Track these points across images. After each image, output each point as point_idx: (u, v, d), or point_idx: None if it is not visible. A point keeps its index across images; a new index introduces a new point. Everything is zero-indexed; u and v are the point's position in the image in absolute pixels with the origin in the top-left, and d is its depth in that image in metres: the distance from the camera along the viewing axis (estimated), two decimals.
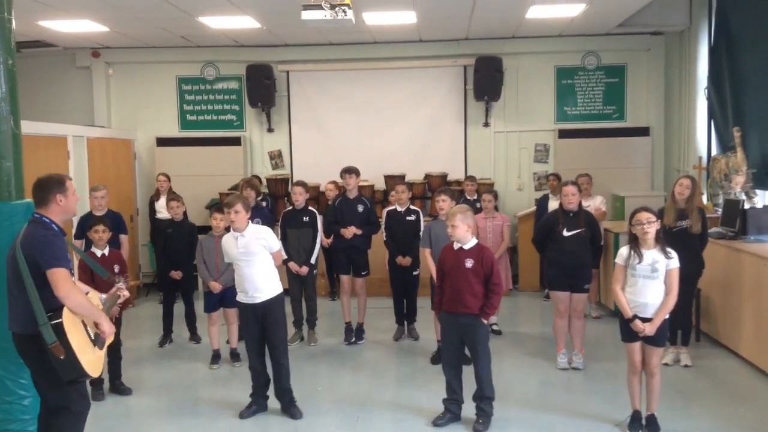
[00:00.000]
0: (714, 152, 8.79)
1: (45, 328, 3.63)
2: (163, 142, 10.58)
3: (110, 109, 10.78)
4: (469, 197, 8.58)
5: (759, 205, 7.13)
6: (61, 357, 3.63)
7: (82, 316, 3.82)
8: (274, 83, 10.39)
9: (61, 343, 3.62)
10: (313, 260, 7.18)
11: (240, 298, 5.36)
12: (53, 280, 3.65)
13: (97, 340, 3.91)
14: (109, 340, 4.00)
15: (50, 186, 3.91)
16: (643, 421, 4.87)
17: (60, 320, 3.66)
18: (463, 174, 10.12)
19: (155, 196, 9.53)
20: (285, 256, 6.78)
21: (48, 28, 8.88)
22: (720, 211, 7.60)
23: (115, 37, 9.65)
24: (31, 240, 3.74)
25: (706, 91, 8.95)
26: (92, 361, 3.82)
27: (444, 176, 10.10)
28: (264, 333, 5.32)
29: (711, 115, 8.92)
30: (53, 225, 3.86)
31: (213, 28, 9.03)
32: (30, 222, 3.89)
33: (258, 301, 5.26)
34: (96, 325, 3.89)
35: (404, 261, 7.11)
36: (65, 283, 3.67)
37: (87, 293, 4.03)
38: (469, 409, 5.11)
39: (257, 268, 5.27)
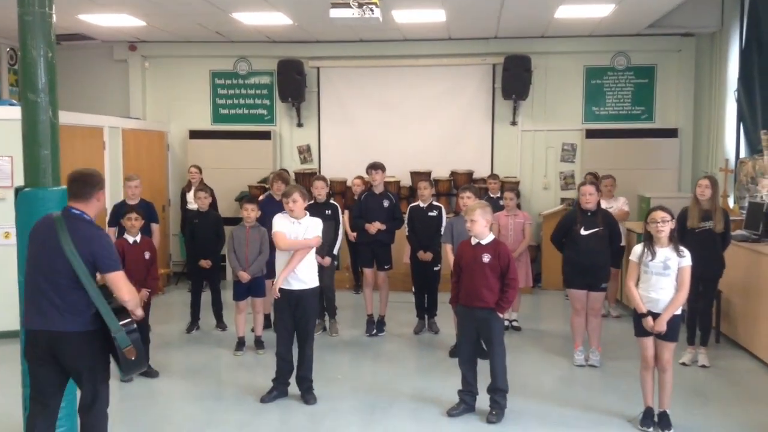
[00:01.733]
0: (742, 155, 8.75)
1: (120, 333, 3.71)
2: (195, 134, 10.83)
3: (145, 102, 11.07)
4: (492, 195, 8.66)
5: None
6: (133, 358, 3.76)
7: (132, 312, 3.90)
8: (304, 79, 10.57)
9: (134, 345, 3.76)
10: (335, 251, 7.32)
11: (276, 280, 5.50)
12: (117, 283, 3.73)
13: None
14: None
15: (94, 182, 3.89)
16: (656, 418, 4.93)
17: (133, 326, 3.79)
18: (490, 172, 10.19)
19: (187, 188, 9.77)
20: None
21: (87, 22, 9.16)
22: (745, 213, 7.58)
23: (151, 32, 9.92)
24: (89, 239, 3.71)
25: (736, 93, 8.91)
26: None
27: (470, 174, 10.18)
28: (294, 321, 5.48)
29: (740, 117, 8.87)
30: (93, 222, 3.85)
31: (246, 24, 9.23)
32: (71, 217, 3.78)
33: (295, 288, 5.42)
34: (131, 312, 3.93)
35: (425, 256, 7.23)
36: (128, 285, 3.79)
37: None
38: (483, 400, 5.22)
39: (304, 257, 5.43)
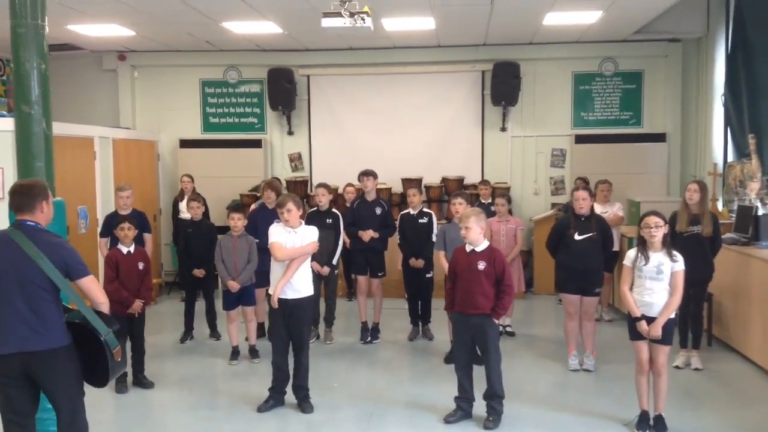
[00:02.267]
0: (730, 159, 8.84)
1: (109, 335, 3.72)
2: (185, 143, 10.82)
3: (135, 111, 11.05)
4: (483, 201, 8.71)
5: None
6: (119, 359, 3.77)
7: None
8: (294, 87, 10.59)
9: (121, 346, 3.78)
10: (335, 261, 7.33)
11: (272, 290, 5.51)
12: (91, 288, 3.75)
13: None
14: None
15: (35, 192, 3.75)
16: (651, 422, 4.97)
17: (118, 327, 3.81)
18: (480, 178, 10.24)
19: (179, 197, 9.75)
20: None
21: (76, 32, 9.14)
22: (734, 217, 7.66)
23: (140, 41, 9.91)
24: (58, 247, 3.69)
25: (723, 98, 9.00)
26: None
27: (461, 180, 10.22)
28: (289, 330, 5.48)
29: (727, 121, 8.96)
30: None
31: (236, 33, 9.25)
32: (29, 228, 3.69)
33: (289, 297, 5.42)
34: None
35: (417, 263, 7.26)
36: (101, 288, 3.82)
37: None
38: (480, 407, 5.24)
39: (300, 267, 5.44)
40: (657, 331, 4.78)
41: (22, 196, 3.72)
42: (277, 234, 5.45)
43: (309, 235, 5.51)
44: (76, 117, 9.73)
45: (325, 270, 7.23)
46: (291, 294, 5.43)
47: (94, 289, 3.78)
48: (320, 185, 7.52)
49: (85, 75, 10.99)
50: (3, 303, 3.63)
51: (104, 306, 3.80)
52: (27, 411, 3.78)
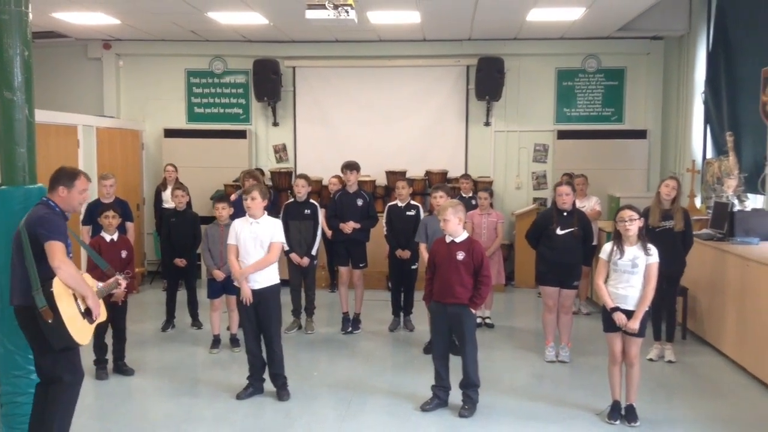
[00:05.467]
0: (709, 156, 8.97)
1: (37, 293, 3.93)
2: (170, 133, 10.81)
3: (119, 100, 11.03)
4: (464, 195, 8.79)
5: (747, 208, 7.31)
6: (49, 321, 3.92)
7: (72, 289, 4.08)
8: (280, 78, 10.61)
9: (50, 307, 3.92)
10: (314, 252, 7.39)
11: (236, 282, 5.57)
12: (49, 251, 3.95)
13: (87, 314, 4.18)
14: (99, 316, 4.24)
15: (60, 177, 4.25)
16: (623, 411, 5.08)
17: (51, 289, 3.95)
18: (464, 172, 10.32)
19: (162, 186, 9.77)
20: (286, 248, 7.02)
21: (61, 20, 9.12)
22: (711, 213, 7.78)
23: (126, 30, 9.90)
24: (34, 217, 4.07)
25: (703, 95, 9.12)
26: (80, 330, 4.09)
27: (444, 173, 10.31)
28: (258, 319, 5.54)
29: (707, 119, 9.09)
30: (57, 208, 4.19)
31: (222, 23, 9.26)
32: (39, 202, 4.23)
33: (254, 287, 5.48)
34: (83, 299, 4.15)
35: (404, 254, 7.34)
36: (60, 254, 3.97)
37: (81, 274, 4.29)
38: (456, 395, 5.33)
39: (260, 256, 5.49)
40: (635, 324, 4.88)
41: (51, 178, 4.28)
42: (237, 230, 5.54)
43: (270, 230, 5.52)
44: (60, 105, 9.72)
45: (305, 261, 7.29)
46: (255, 284, 5.49)
47: (51, 251, 3.94)
48: (300, 176, 7.59)
49: (70, 63, 10.95)
50: (7, 266, 4.21)
51: (59, 271, 3.94)
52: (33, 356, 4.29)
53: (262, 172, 9.96)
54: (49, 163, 7.44)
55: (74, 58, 10.95)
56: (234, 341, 6.92)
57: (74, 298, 4.11)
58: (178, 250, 7.51)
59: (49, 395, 4.17)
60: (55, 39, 10.34)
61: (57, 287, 3.97)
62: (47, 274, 3.96)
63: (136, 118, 10.96)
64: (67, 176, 4.26)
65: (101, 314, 4.28)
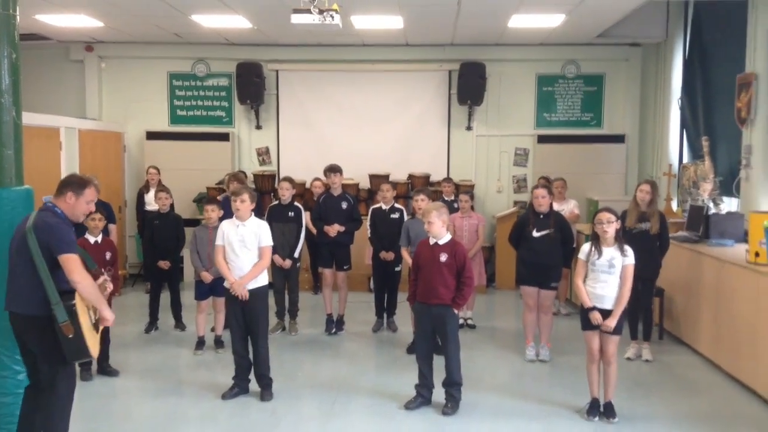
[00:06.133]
0: (685, 160, 9.17)
1: (58, 307, 3.88)
2: (152, 135, 10.81)
3: (102, 102, 11.00)
4: (446, 198, 8.90)
5: (723, 212, 7.48)
6: (70, 336, 3.89)
7: (90, 302, 4.07)
8: (263, 81, 10.66)
9: (72, 323, 3.89)
10: (296, 254, 7.45)
11: (227, 284, 5.62)
12: (68, 265, 3.90)
13: (96, 324, 4.19)
14: (108, 324, 4.27)
15: (70, 182, 4.23)
16: (601, 408, 5.20)
17: (74, 302, 3.92)
18: (446, 175, 10.42)
19: (145, 189, 9.76)
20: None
21: (43, 22, 9.10)
22: (687, 216, 7.95)
23: (108, 32, 9.89)
24: (44, 226, 3.97)
25: (680, 101, 9.33)
26: (94, 341, 4.11)
27: (427, 177, 10.41)
28: (245, 320, 5.60)
29: (683, 124, 9.30)
30: (62, 215, 4.12)
31: (205, 26, 9.29)
32: (41, 209, 4.13)
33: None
34: (98, 311, 4.14)
35: (387, 255, 7.42)
36: (79, 268, 3.94)
37: None
38: (439, 394, 5.43)
39: (248, 259, 5.56)
40: (612, 323, 5.01)
41: (60, 183, 4.26)
42: (222, 235, 5.60)
43: (256, 232, 5.59)
44: (42, 107, 9.67)
45: (288, 263, 7.35)
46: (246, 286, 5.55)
47: (69, 266, 3.92)
48: (284, 179, 7.66)
49: (52, 65, 10.91)
50: (6, 266, 4.13)
51: (79, 285, 3.92)
52: (26, 364, 4.22)
53: (245, 175, 9.98)
54: (31, 166, 7.41)
55: (56, 61, 10.91)
56: (218, 342, 6.95)
57: (87, 308, 4.10)
58: (161, 252, 7.53)
59: (41, 403, 4.14)
60: (37, 41, 10.29)
61: (77, 302, 3.95)
62: (60, 285, 3.94)
63: (119, 120, 10.94)
64: (77, 183, 4.22)
65: (111, 322, 4.26)
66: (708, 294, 6.61)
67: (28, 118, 7.89)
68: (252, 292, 5.56)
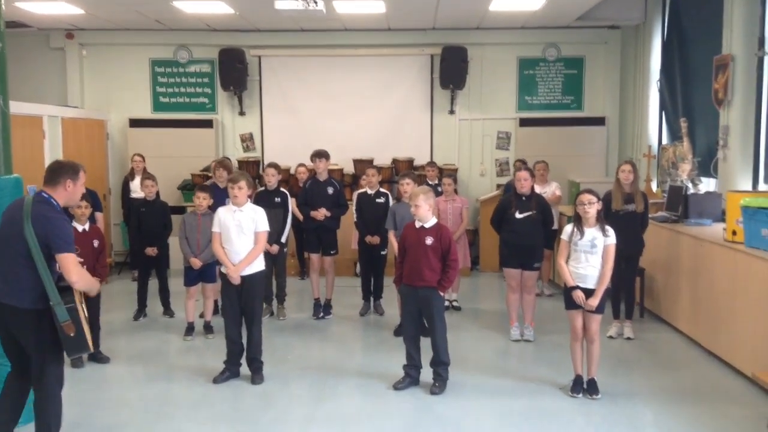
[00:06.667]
0: (664, 141, 9.31)
1: (59, 307, 3.89)
2: (135, 123, 10.80)
3: (83, 90, 10.96)
4: (430, 182, 8.99)
5: (701, 191, 7.64)
6: (71, 334, 3.92)
7: (86, 292, 4.10)
8: (246, 67, 10.67)
9: (73, 322, 3.92)
10: (283, 239, 7.51)
11: (224, 270, 5.68)
12: (66, 265, 3.90)
13: (86, 316, 4.19)
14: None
15: (64, 170, 4.09)
16: (585, 385, 5.35)
17: (74, 304, 3.94)
18: (429, 159, 10.50)
19: (130, 176, 9.76)
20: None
21: (23, 9, 9.03)
22: (666, 196, 8.10)
23: (89, 19, 9.83)
24: (44, 220, 3.89)
25: (659, 83, 9.46)
26: (89, 334, 4.12)
27: (411, 161, 10.49)
28: (241, 303, 5.68)
29: (662, 106, 9.44)
30: (58, 206, 4.04)
31: (187, 12, 9.26)
32: (37, 200, 3.98)
33: (242, 273, 5.60)
34: (85, 297, 4.15)
35: (373, 239, 7.51)
36: (77, 268, 3.95)
37: None
38: (427, 374, 5.54)
39: (245, 244, 5.63)
40: (594, 302, 5.15)
41: (50, 172, 4.10)
42: (221, 219, 5.66)
43: (253, 217, 5.66)
44: (23, 95, 9.57)
45: (274, 248, 7.40)
46: (243, 271, 5.62)
47: (68, 265, 3.90)
48: (270, 165, 7.70)
49: (32, 53, 10.82)
50: None
51: (78, 285, 3.94)
52: (13, 355, 4.14)
53: (229, 161, 9.99)
54: (15, 154, 7.40)
55: (36, 48, 10.83)
56: (208, 328, 7.02)
57: (80, 302, 4.08)
58: (148, 239, 7.56)
59: (26, 389, 4.18)
60: (17, 29, 10.20)
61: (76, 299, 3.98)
62: (53, 277, 3.94)
63: (101, 108, 10.90)
64: (71, 169, 4.11)
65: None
66: (687, 273, 6.77)
67: (11, 107, 7.91)
68: (250, 276, 5.63)
